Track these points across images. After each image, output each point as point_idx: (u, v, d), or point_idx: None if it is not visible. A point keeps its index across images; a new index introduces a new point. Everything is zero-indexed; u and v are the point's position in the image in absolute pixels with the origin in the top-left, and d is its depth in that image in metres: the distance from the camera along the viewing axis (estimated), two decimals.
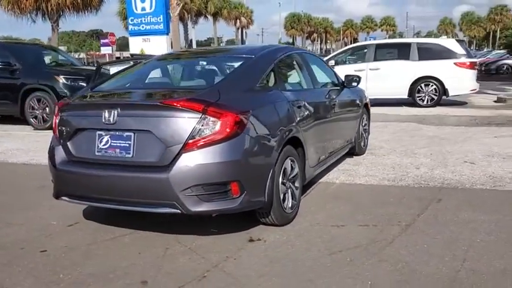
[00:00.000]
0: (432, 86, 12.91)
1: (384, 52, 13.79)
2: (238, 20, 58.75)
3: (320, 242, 3.64)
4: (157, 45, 19.32)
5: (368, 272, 3.11)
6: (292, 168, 3.97)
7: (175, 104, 3.29)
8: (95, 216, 4.34)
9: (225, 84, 3.67)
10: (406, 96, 13.07)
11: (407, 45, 13.42)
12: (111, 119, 3.41)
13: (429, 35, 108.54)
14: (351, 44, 42.94)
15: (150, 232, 3.92)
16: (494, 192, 4.76)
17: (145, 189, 3.33)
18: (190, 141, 3.25)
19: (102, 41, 33.07)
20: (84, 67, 11.20)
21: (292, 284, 3.00)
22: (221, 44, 67.87)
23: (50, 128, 9.79)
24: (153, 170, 3.32)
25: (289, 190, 3.95)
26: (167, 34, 20.49)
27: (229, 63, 4.42)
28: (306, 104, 4.33)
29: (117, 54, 39.82)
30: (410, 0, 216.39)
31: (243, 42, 63.58)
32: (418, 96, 13.03)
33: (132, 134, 3.41)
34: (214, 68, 4.60)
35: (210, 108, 3.27)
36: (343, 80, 5.70)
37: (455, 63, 12.73)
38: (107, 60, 8.07)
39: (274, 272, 3.17)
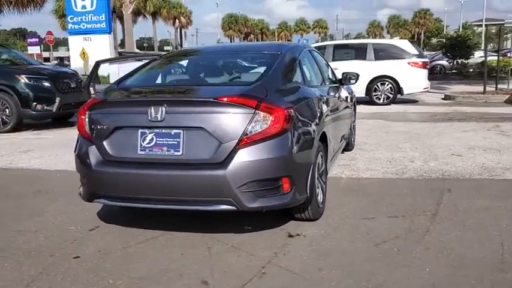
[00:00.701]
0: (388, 84, 13.47)
1: (341, 52, 14.21)
2: (177, 20, 57.89)
3: (359, 234, 3.70)
4: (100, 45, 18.75)
5: (419, 260, 3.21)
6: (321, 163, 4.01)
7: (229, 100, 3.24)
8: (114, 219, 4.14)
9: (268, 80, 3.63)
10: (363, 95, 13.50)
11: (364, 46, 13.93)
12: (159, 116, 3.28)
13: (358, 36, 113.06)
14: None
15: (181, 232, 3.80)
16: (495, 182, 5.06)
17: (200, 186, 3.24)
18: (245, 137, 3.21)
19: (29, 40, 31.60)
20: (45, 66, 10.56)
21: (354, 275, 3.03)
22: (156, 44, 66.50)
23: (11, 131, 9.20)
24: (207, 167, 3.24)
25: (319, 185, 3.98)
26: (110, 33, 19.89)
27: (260, 60, 4.41)
28: (326, 100, 4.40)
29: (46, 54, 37.91)
30: (337, 3, 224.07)
31: (182, 42, 62.74)
32: (375, 95, 13.55)
33: (181, 131, 3.30)
34: (246, 64, 4.55)
35: (262, 103, 3.24)
36: (340, 77, 5.82)
37: (408, 63, 13.38)
38: (104, 58, 7.64)
39: (330, 264, 3.19)
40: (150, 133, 3.35)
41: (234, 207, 3.25)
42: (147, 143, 3.36)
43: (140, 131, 3.38)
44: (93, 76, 5.47)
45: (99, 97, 3.71)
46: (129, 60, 6.32)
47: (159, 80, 4.20)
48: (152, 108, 3.29)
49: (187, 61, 4.78)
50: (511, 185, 4.95)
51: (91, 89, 5.44)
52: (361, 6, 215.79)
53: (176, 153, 3.31)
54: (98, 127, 3.50)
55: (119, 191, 3.44)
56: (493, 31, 36.71)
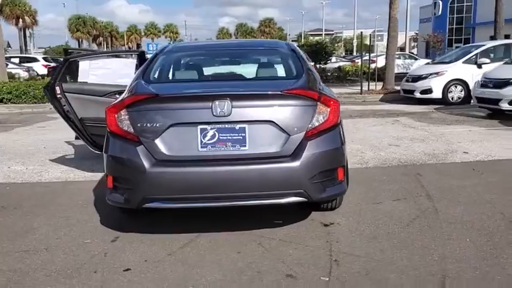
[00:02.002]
0: None
1: None
2: (20, 19, 52.47)
3: (384, 217, 3.96)
4: None
5: (454, 233, 3.59)
6: None
7: (297, 93, 3.25)
8: (130, 227, 3.80)
9: (308, 74, 3.68)
10: None
11: None
12: (225, 110, 3.15)
13: None
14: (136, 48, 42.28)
15: (215, 233, 3.66)
16: (448, 165, 5.80)
17: (271, 180, 3.18)
18: (310, 129, 3.25)
19: None
20: None
21: (414, 252, 3.27)
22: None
23: None
24: (277, 160, 3.20)
25: None
26: None
27: (275, 55, 4.43)
28: None
29: None
30: (178, 10, 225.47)
31: (26, 43, 57.02)
32: None
33: (245, 125, 3.20)
34: (266, 59, 4.49)
35: (322, 96, 3.33)
36: None
37: None
38: (75, 54, 6.57)
39: (386, 246, 3.39)
40: (211, 129, 3.19)
41: (304, 199, 3.27)
42: (209, 140, 3.19)
43: (200, 127, 3.19)
44: (60, 74, 4.81)
45: (146, 92, 3.37)
46: (101, 57, 5.72)
47: (189, 76, 3.96)
48: (217, 102, 3.14)
49: (200, 57, 4.58)
50: (463, 166, 5.72)
51: (57, 88, 4.79)
52: (204, 14, 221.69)
53: (242, 148, 3.21)
54: (148, 125, 3.20)
55: (177, 192, 3.19)
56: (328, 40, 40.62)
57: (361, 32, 21.02)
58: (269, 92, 3.33)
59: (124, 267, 3.13)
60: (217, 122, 3.17)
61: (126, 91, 3.61)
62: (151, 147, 3.19)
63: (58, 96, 4.87)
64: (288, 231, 3.72)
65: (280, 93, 3.28)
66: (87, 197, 4.70)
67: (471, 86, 12.40)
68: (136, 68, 5.06)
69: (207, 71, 4.39)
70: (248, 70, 4.36)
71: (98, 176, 5.50)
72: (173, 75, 4.21)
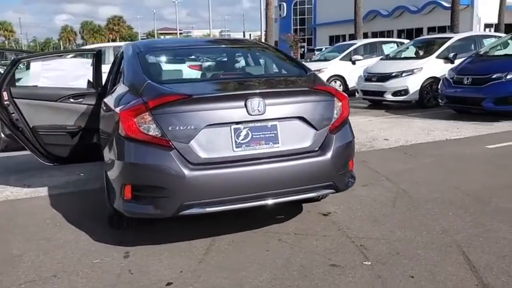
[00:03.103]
0: None
1: None
2: None
3: (367, 202, 4.27)
4: None
5: (436, 209, 4.05)
6: None
7: (323, 88, 3.36)
8: (132, 240, 3.53)
9: (308, 70, 3.78)
10: None
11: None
12: (260, 108, 3.10)
13: (48, 42, 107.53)
14: None
15: (228, 235, 3.60)
16: (381, 151, 6.48)
17: (305, 175, 3.24)
18: (332, 123, 3.37)
19: None
20: None
21: (419, 227, 3.64)
22: None
23: None
24: (308, 155, 3.27)
25: None
26: None
27: (261, 53, 4.42)
28: None
29: None
30: (4, 6, 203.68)
31: None
32: None
33: (277, 122, 3.20)
34: (265, 58, 4.44)
35: (337, 92, 3.47)
36: None
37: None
38: (25, 55, 5.18)
39: (393, 226, 3.70)
40: (244, 128, 3.12)
41: (333, 190, 3.40)
42: (243, 139, 3.12)
43: (233, 127, 3.10)
44: (9, 77, 4.04)
45: (176, 93, 3.11)
46: (55, 57, 4.89)
47: (196, 75, 3.73)
48: (251, 101, 3.09)
49: (192, 56, 4.31)
50: (394, 151, 6.41)
51: (4, 94, 4.02)
52: (37, 11, 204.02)
53: (275, 146, 3.20)
54: (181, 127, 3.00)
55: (216, 195, 3.07)
56: None
57: (223, 32, 21.57)
58: (299, 89, 3.39)
59: (164, 282, 2.94)
60: (251, 121, 3.13)
61: (128, 94, 3.34)
62: (185, 151, 3.02)
63: (5, 103, 4.22)
64: (295, 224, 3.81)
65: (308, 89, 3.37)
66: (52, 214, 4.20)
67: (348, 81, 13.78)
68: (95, 69, 4.63)
69: (208, 69, 4.23)
70: (250, 68, 4.31)
71: (40, 191, 4.94)
72: (184, 75, 4.01)
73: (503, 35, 12.03)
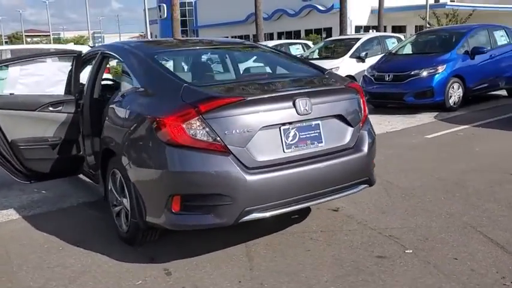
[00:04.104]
0: None
1: None
2: None
3: (363, 195, 4.34)
4: None
5: (429, 196, 4.38)
6: None
7: (354, 86, 3.42)
8: (159, 255, 3.29)
9: (326, 70, 3.80)
10: None
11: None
12: (307, 108, 3.08)
13: None
14: None
15: (257, 240, 3.54)
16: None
17: (348, 172, 3.29)
18: (361, 119, 3.47)
19: None
20: None
21: (426, 214, 3.91)
22: None
23: None
24: (347, 152, 3.32)
25: None
26: None
27: (268, 52, 4.30)
28: None
29: None
30: None
31: None
32: None
33: (319, 121, 3.20)
34: (277, 58, 4.33)
35: (361, 89, 3.57)
36: None
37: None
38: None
39: (403, 215, 3.92)
40: (292, 128, 3.07)
41: (368, 185, 3.48)
42: (291, 140, 3.07)
43: (282, 128, 3.04)
44: None
45: (229, 96, 2.91)
46: (34, 61, 4.06)
47: (226, 76, 3.49)
48: (299, 101, 3.05)
49: (204, 56, 4.01)
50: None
51: None
52: None
53: (319, 145, 3.20)
54: (237, 131, 2.86)
55: (275, 199, 2.98)
56: None
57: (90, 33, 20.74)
58: (336, 87, 3.42)
59: None
60: (298, 121, 3.11)
61: (158, 99, 3.11)
62: (242, 155, 2.89)
63: None
64: (315, 222, 3.86)
65: (343, 87, 3.42)
66: (43, 238, 3.74)
67: None
68: (74, 73, 4.15)
69: (227, 68, 4.04)
70: (271, 68, 4.20)
71: (8, 213, 4.35)
72: (210, 77, 3.75)
73: (400, 35, 13.24)
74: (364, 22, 37.43)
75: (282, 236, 3.61)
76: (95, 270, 3.16)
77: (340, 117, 3.35)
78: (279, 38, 40.74)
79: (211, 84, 3.42)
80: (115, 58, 3.96)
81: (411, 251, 3.28)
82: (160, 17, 56.92)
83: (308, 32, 39.02)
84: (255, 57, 4.52)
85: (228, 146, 2.88)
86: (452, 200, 4.25)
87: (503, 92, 10.61)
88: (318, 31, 38.18)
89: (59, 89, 4.14)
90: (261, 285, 2.91)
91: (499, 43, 10.17)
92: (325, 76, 3.65)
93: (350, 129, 3.39)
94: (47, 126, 3.96)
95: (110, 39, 78.22)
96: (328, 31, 37.91)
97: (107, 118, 3.57)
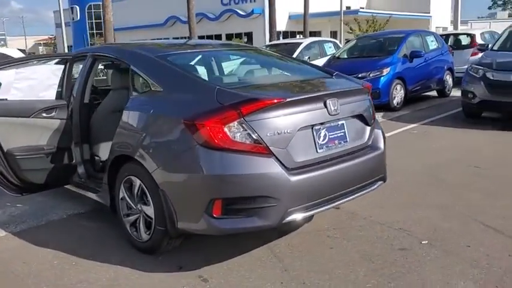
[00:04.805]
0: None
1: None
2: None
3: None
4: None
5: (434, 186, 4.66)
6: None
7: (368, 87, 3.53)
8: (186, 263, 3.20)
9: (334, 72, 3.89)
10: None
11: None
12: (337, 108, 3.15)
13: None
14: None
15: (279, 240, 3.56)
16: None
17: (372, 169, 3.41)
18: (373, 118, 3.60)
19: None
20: None
21: (437, 207, 4.17)
22: None
23: None
24: (367, 150, 3.44)
25: None
26: None
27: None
28: None
29: None
30: None
31: None
32: None
33: (344, 121, 3.29)
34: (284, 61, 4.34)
35: (370, 89, 3.71)
36: None
37: None
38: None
39: (409, 206, 4.14)
40: (322, 129, 3.14)
41: (383, 182, 3.61)
42: (323, 140, 3.13)
43: (315, 128, 3.09)
44: None
45: (270, 97, 2.87)
46: (29, 64, 3.52)
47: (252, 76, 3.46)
48: (330, 101, 3.12)
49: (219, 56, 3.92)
50: None
51: None
52: None
53: (345, 144, 3.29)
54: (278, 133, 2.86)
55: (311, 199, 3.01)
56: None
57: None
58: (357, 87, 3.51)
59: None
60: (328, 121, 3.18)
61: (186, 101, 3.02)
62: (282, 157, 2.90)
63: None
64: (322, 220, 3.91)
65: (362, 87, 3.55)
66: (47, 254, 3.46)
67: None
68: (66, 77, 3.86)
69: (244, 69, 3.98)
70: (280, 69, 4.21)
71: (5, 227, 3.96)
72: (239, 77, 3.71)
73: (336, 40, 13.81)
74: (282, 27, 38.36)
75: (299, 236, 3.65)
76: (125, 283, 3.00)
77: (360, 116, 3.47)
78: None
79: (242, 86, 3.38)
80: (117, 60, 3.77)
81: (426, 241, 3.48)
82: (73, 19, 54.61)
83: (229, 36, 39.31)
84: (264, 59, 4.53)
85: (270, 148, 2.88)
86: (438, 192, 4.55)
87: (434, 93, 11.47)
88: (239, 35, 38.61)
89: (51, 94, 3.85)
90: (303, 284, 2.94)
91: (431, 47, 10.99)
92: (337, 77, 3.75)
93: (367, 128, 3.53)
94: (40, 134, 3.67)
95: (14, 42, 72.92)
96: (249, 35, 38.50)
97: (120, 124, 3.39)
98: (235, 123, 2.82)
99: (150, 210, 3.19)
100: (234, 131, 2.82)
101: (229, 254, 3.33)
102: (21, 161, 3.62)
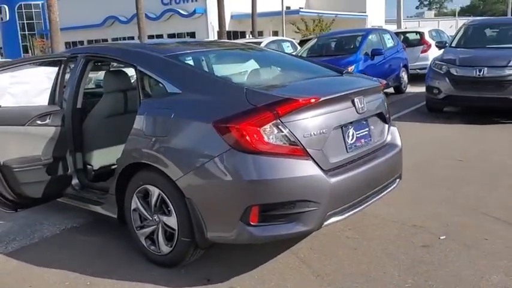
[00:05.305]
0: None
1: None
2: None
3: None
4: None
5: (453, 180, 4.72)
6: None
7: (383, 85, 3.53)
8: (214, 273, 3.01)
9: (344, 70, 3.83)
10: None
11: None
12: (364, 107, 3.10)
13: None
14: None
15: (303, 243, 3.45)
16: None
17: (394, 167, 3.40)
18: (388, 115, 3.58)
19: None
20: None
21: (439, 200, 4.21)
22: None
23: None
24: (387, 148, 3.40)
25: None
26: None
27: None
28: None
29: None
30: None
31: None
32: None
33: (368, 120, 3.24)
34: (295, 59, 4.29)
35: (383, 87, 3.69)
36: None
37: None
38: None
39: (416, 201, 4.16)
40: (350, 128, 3.06)
41: (399, 180, 3.58)
42: (351, 139, 3.04)
43: (344, 127, 3.00)
44: None
45: (305, 96, 2.71)
46: (25, 66, 3.02)
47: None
48: (357, 100, 3.05)
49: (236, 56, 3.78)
50: None
51: None
52: None
53: (370, 143, 3.23)
54: (314, 133, 2.75)
55: (347, 200, 2.94)
56: None
57: None
58: (377, 86, 3.45)
59: None
60: (355, 120, 3.10)
61: (211, 104, 2.84)
62: (319, 158, 2.78)
63: None
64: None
65: (380, 85, 3.51)
66: (60, 274, 3.15)
67: None
68: (60, 80, 3.50)
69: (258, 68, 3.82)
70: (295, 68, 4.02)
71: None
72: (258, 77, 3.56)
73: (292, 39, 13.90)
74: (225, 27, 38.30)
75: (317, 239, 3.56)
76: None
77: (379, 114, 3.44)
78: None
79: (267, 86, 3.21)
80: (119, 62, 3.51)
81: (444, 237, 3.51)
82: (2, 19, 51.56)
83: (171, 36, 38.66)
84: (277, 58, 4.38)
85: (307, 149, 2.76)
86: (433, 187, 4.63)
87: (391, 90, 11.79)
88: (181, 35, 38.07)
89: (44, 99, 3.51)
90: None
91: (388, 45, 11.29)
92: (348, 75, 3.70)
93: (386, 126, 3.51)
94: (36, 143, 3.33)
95: None
96: (192, 35, 38.06)
97: (133, 130, 3.13)
98: (271, 125, 2.68)
99: (172, 221, 2.98)
100: (270, 133, 2.68)
101: (254, 262, 3.19)
102: (19, 174, 3.27)
